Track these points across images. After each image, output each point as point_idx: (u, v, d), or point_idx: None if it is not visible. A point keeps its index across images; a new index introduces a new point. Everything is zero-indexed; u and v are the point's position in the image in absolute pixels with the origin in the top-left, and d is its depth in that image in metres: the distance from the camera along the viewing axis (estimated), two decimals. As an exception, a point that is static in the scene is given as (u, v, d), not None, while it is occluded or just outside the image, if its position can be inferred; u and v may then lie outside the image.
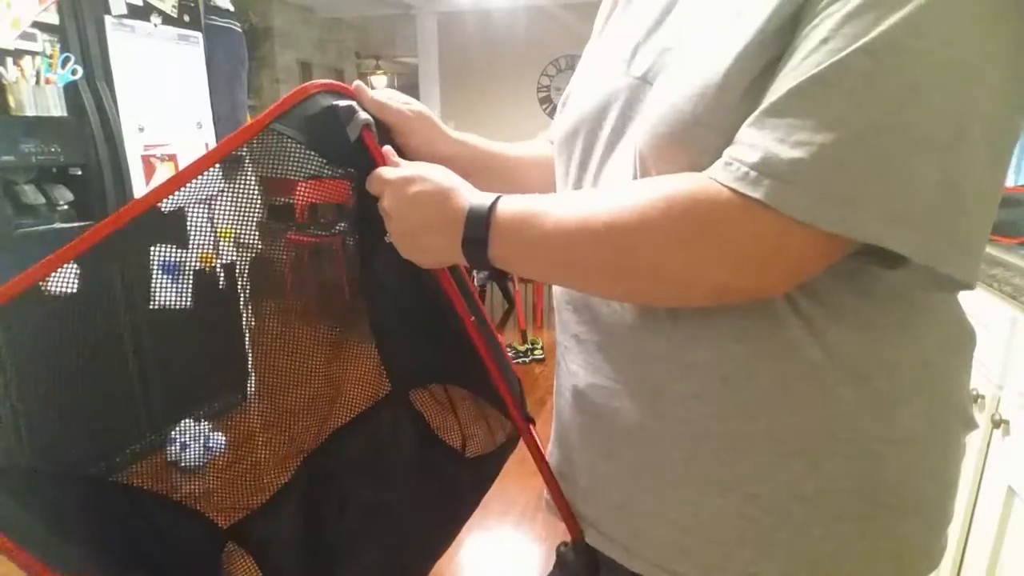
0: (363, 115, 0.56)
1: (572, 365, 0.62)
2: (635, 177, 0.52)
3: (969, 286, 0.44)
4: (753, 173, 0.41)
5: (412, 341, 0.71)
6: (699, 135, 0.45)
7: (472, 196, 0.53)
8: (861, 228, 0.39)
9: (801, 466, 0.49)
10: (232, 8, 2.60)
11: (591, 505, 0.62)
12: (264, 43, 5.45)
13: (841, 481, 0.49)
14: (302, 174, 0.60)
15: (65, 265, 0.55)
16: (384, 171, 0.56)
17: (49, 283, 0.54)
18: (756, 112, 0.42)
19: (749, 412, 0.49)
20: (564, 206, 0.49)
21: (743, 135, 0.42)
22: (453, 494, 0.76)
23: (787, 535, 0.50)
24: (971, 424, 0.55)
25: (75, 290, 0.61)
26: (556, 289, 0.64)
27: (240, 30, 2.63)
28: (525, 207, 0.50)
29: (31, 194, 1.89)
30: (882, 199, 0.39)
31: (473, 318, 0.63)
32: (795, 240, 0.41)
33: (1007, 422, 1.06)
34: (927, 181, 0.39)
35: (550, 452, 0.68)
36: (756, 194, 0.40)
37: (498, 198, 0.51)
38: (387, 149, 0.58)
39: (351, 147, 0.56)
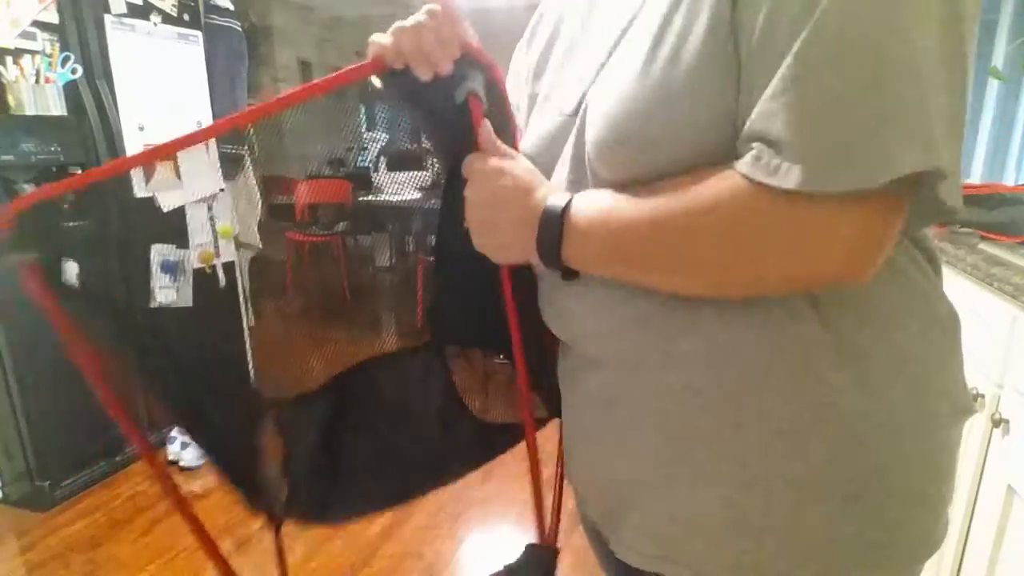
0: (472, 83, 0.56)
1: (567, 364, 0.62)
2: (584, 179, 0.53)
3: (955, 213, 0.44)
4: (784, 165, 0.40)
5: (464, 304, 0.73)
6: (648, 132, 0.46)
7: (549, 196, 0.53)
8: (903, 165, 0.39)
9: (790, 451, 0.49)
10: (232, 7, 2.60)
11: (591, 503, 0.62)
12: (264, 42, 5.45)
13: (830, 465, 0.49)
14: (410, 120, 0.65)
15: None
16: (476, 159, 0.55)
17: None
18: (763, 108, 0.41)
19: (738, 399, 0.50)
20: (633, 207, 0.49)
21: (757, 128, 0.42)
22: (458, 450, 0.79)
23: (779, 521, 0.50)
24: (966, 410, 0.55)
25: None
26: (543, 297, 0.64)
27: (240, 29, 2.63)
28: (596, 208, 0.50)
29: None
30: (906, 132, 0.39)
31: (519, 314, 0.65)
32: (866, 214, 0.41)
33: (1007, 421, 1.06)
34: (924, 104, 0.39)
35: (563, 445, 0.70)
36: (798, 187, 0.40)
37: (571, 199, 0.52)
38: (486, 124, 0.56)
39: (454, 109, 0.56)
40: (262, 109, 0.57)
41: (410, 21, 0.53)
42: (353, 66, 0.56)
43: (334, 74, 0.55)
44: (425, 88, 0.54)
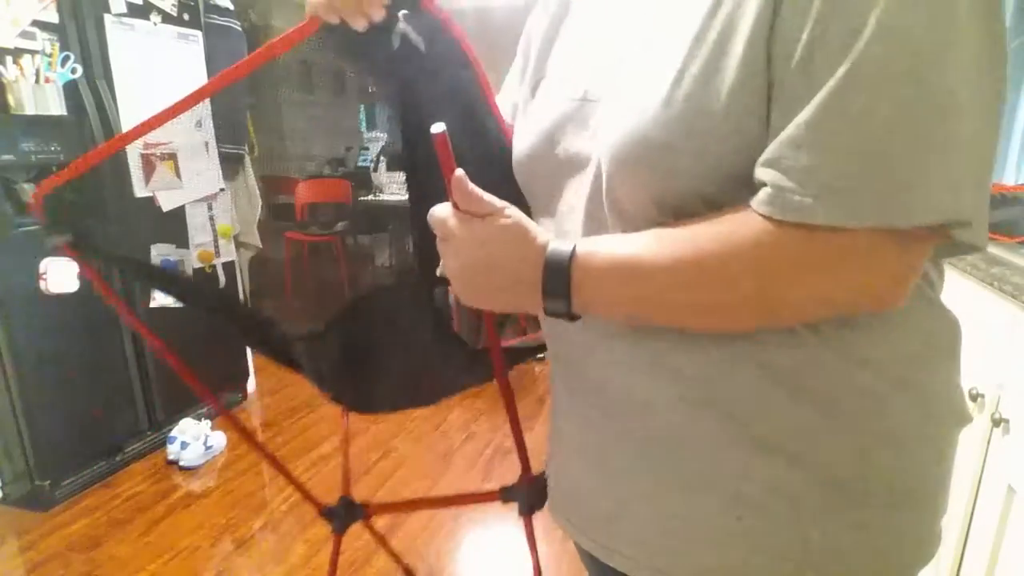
0: (404, 25, 0.57)
1: (559, 370, 0.63)
2: (599, 196, 0.51)
3: (980, 250, 0.44)
4: (807, 200, 0.40)
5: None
6: (670, 159, 0.45)
7: (548, 247, 0.48)
8: (931, 211, 0.39)
9: (785, 463, 0.49)
10: (232, 7, 2.59)
11: (584, 515, 0.62)
12: (264, 42, 5.45)
13: (827, 477, 0.49)
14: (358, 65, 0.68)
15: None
16: (453, 222, 0.49)
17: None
18: (791, 134, 0.40)
19: (733, 412, 0.49)
20: (654, 254, 0.46)
21: (778, 155, 0.41)
22: (456, 369, 0.93)
23: (775, 531, 0.50)
24: (964, 419, 0.55)
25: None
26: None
27: (240, 29, 2.63)
28: (612, 254, 0.47)
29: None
30: (942, 175, 0.39)
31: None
32: (887, 248, 0.41)
33: (1007, 421, 1.06)
34: (963, 146, 0.39)
35: (547, 461, 0.70)
36: (817, 219, 0.40)
37: (575, 247, 0.47)
38: (459, 178, 0.48)
39: (393, 55, 0.58)
40: (222, 78, 0.64)
41: None
42: (291, 29, 0.59)
43: (274, 39, 0.59)
44: (362, 38, 0.56)
